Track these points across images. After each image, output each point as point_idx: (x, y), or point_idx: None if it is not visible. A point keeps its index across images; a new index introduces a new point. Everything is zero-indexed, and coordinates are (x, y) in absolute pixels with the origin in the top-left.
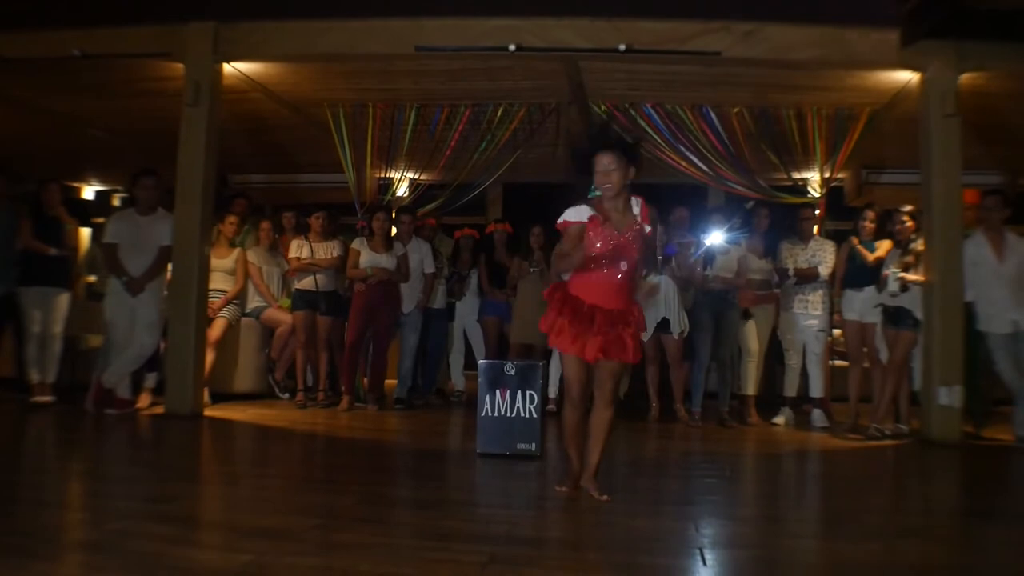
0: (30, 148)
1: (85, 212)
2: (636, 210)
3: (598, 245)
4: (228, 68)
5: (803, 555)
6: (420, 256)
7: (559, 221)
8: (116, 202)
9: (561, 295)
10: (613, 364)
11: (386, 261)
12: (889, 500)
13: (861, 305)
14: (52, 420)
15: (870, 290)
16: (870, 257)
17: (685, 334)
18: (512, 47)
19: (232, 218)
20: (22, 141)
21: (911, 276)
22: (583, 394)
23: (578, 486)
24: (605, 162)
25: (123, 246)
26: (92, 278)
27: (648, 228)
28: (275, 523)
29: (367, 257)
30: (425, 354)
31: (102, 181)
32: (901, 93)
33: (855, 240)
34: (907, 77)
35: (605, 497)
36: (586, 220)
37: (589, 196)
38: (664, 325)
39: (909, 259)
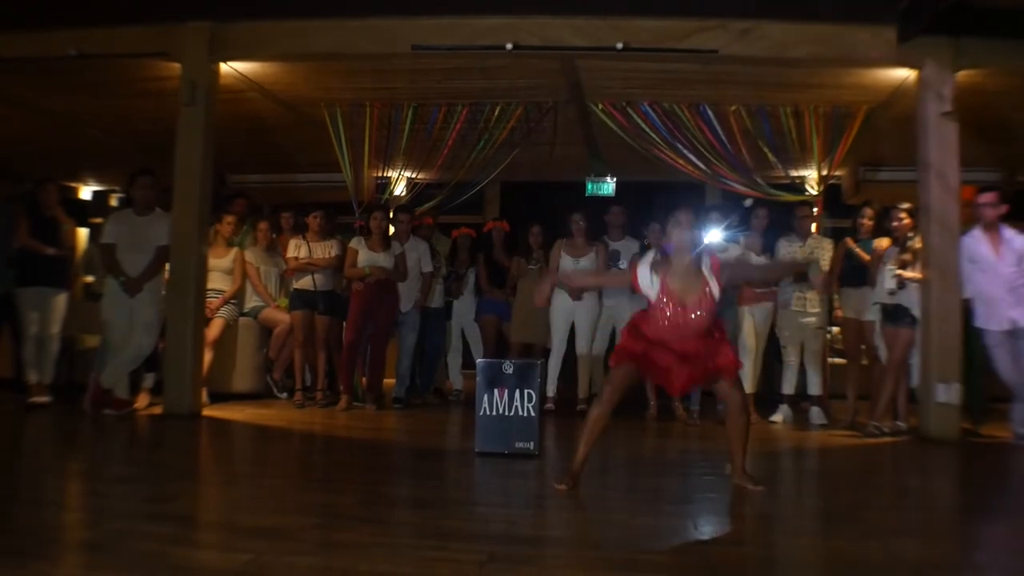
0: (27, 148)
1: (82, 212)
2: (706, 270)
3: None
4: (225, 68)
5: (802, 553)
6: (418, 255)
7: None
8: (113, 202)
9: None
10: (723, 384)
11: (384, 260)
12: (887, 498)
13: (858, 303)
14: (50, 420)
15: (867, 288)
16: (866, 257)
17: None
18: (509, 46)
19: (230, 218)
20: (19, 141)
21: (908, 273)
22: (614, 399)
23: (577, 483)
24: (684, 220)
25: (121, 246)
26: (90, 278)
27: (717, 288)
28: (274, 523)
29: (365, 256)
30: (423, 353)
31: (99, 181)
32: (898, 90)
33: (850, 241)
34: (904, 74)
35: (760, 488)
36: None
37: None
38: None
39: (906, 256)
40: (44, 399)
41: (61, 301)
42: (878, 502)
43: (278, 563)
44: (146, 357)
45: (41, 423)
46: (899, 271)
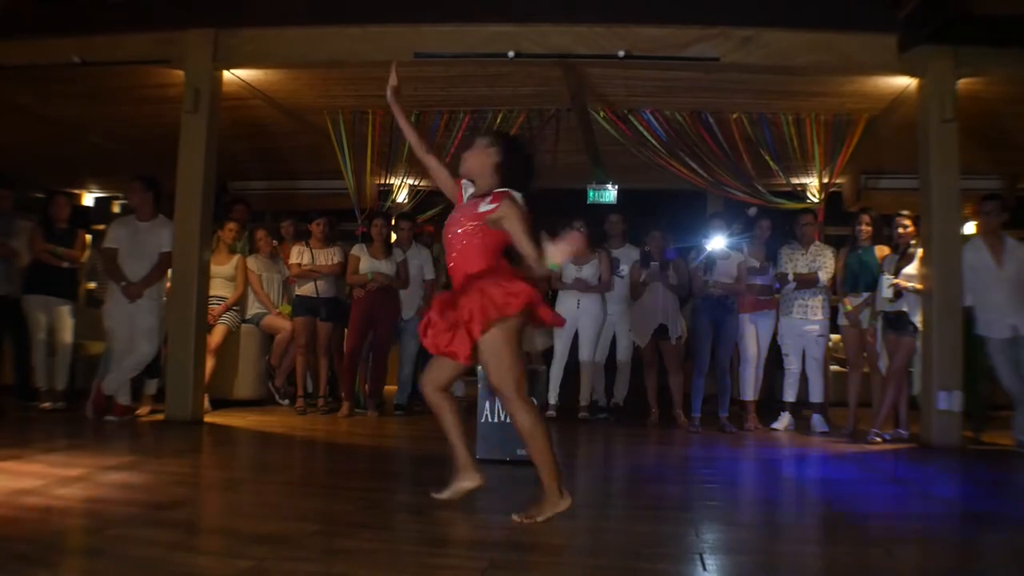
0: (30, 155)
1: (85, 219)
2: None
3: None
4: (228, 75)
5: (803, 560)
6: (420, 262)
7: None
8: (116, 208)
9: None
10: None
11: (385, 267)
12: (889, 505)
13: (860, 311)
14: (52, 426)
15: (868, 296)
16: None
17: (683, 340)
18: (511, 53)
19: (232, 224)
20: (23, 148)
21: (903, 283)
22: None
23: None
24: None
25: (122, 252)
26: (92, 285)
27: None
28: (275, 529)
29: (367, 263)
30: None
31: (102, 188)
32: (899, 98)
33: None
34: (905, 82)
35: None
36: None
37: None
38: (662, 332)
39: (903, 262)
40: (54, 405)
41: (66, 312)
42: (879, 510)
43: (279, 569)
44: (148, 363)
45: (43, 429)
46: (896, 280)
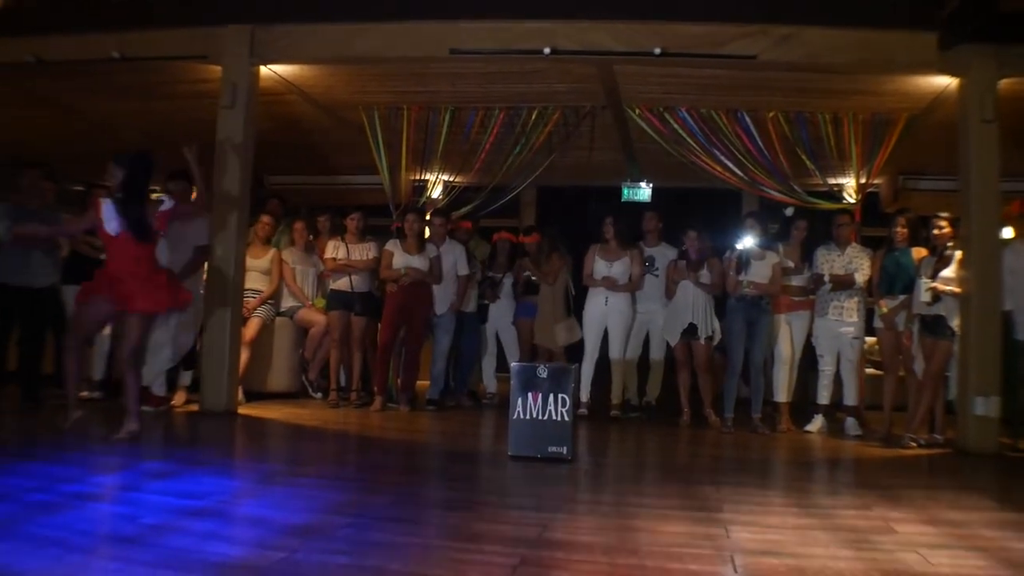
0: (69, 150)
1: None
2: None
3: None
4: (264, 70)
5: (835, 563)
6: (454, 258)
7: None
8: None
9: None
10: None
11: (418, 262)
12: (924, 511)
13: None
14: (88, 416)
15: (904, 298)
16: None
17: (716, 340)
18: (547, 50)
19: (266, 218)
20: (61, 143)
21: (942, 287)
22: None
23: None
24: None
25: (159, 245)
26: None
27: None
28: (307, 521)
29: (400, 258)
30: (458, 356)
31: None
32: (939, 98)
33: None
34: (945, 82)
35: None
36: None
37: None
38: (693, 331)
39: (940, 265)
40: (93, 394)
41: None
42: (914, 515)
43: (311, 561)
44: (184, 355)
45: (80, 418)
46: (933, 284)
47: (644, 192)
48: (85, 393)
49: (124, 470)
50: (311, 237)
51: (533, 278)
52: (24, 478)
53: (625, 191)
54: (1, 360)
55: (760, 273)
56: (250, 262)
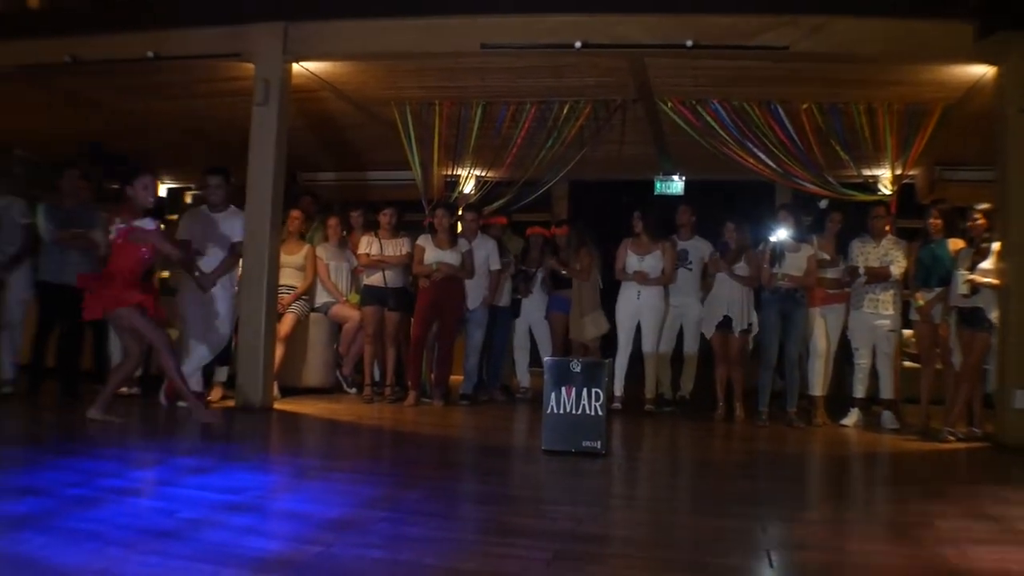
0: (106, 148)
1: (160, 209)
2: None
3: None
4: (297, 67)
5: (872, 558)
6: (486, 253)
7: None
8: (188, 199)
9: None
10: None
11: (450, 257)
12: (962, 505)
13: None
14: (127, 411)
15: (940, 290)
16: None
17: (753, 332)
18: (578, 44)
19: (295, 213)
20: (99, 141)
21: (979, 279)
22: None
23: None
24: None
25: (195, 242)
26: (165, 273)
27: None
28: (343, 515)
29: (432, 253)
30: (490, 351)
31: (174, 179)
32: (976, 87)
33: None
34: (982, 71)
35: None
36: None
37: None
38: (728, 324)
39: (978, 257)
40: (131, 390)
41: None
42: (952, 510)
43: (347, 555)
44: (220, 351)
45: (119, 414)
46: (972, 277)
47: (677, 185)
48: (124, 389)
49: (161, 465)
50: (345, 233)
51: (563, 272)
52: (63, 473)
53: (658, 184)
54: (41, 357)
55: (795, 265)
56: (284, 258)
